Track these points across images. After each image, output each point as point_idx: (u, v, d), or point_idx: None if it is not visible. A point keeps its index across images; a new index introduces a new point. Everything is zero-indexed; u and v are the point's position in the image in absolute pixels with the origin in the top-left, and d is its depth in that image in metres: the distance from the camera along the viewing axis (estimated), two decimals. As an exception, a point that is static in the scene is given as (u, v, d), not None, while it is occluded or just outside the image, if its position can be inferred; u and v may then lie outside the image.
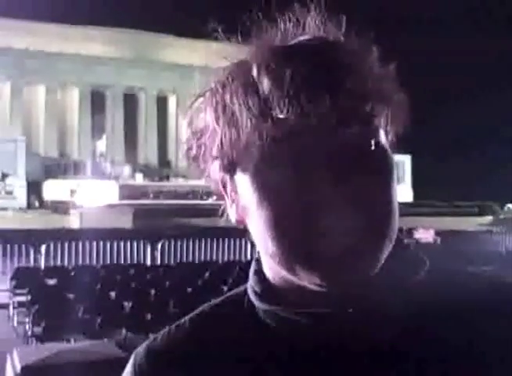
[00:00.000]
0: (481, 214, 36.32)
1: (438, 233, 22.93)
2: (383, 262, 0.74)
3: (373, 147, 0.73)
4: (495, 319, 0.81)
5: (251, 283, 0.85)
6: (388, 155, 0.76)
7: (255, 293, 0.83)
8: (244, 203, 0.78)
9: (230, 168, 0.78)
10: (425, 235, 22.61)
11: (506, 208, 41.53)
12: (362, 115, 0.72)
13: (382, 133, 0.76)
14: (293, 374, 0.78)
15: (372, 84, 0.73)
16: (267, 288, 0.82)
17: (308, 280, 0.74)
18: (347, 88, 0.71)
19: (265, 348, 0.80)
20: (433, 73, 51.09)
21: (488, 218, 35.76)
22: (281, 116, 0.71)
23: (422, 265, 0.82)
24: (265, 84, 0.72)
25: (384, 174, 0.75)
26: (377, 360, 0.76)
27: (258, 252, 0.84)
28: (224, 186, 0.81)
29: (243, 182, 0.77)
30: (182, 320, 0.89)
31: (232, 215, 0.82)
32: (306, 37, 0.77)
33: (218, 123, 0.75)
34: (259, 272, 0.84)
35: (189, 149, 0.81)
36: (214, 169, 0.80)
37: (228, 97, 0.75)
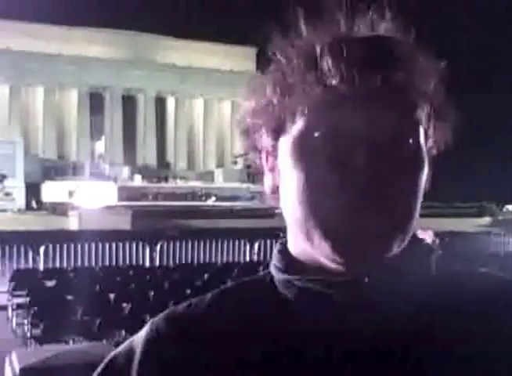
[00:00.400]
0: (479, 215, 36.29)
1: (436, 235, 22.93)
2: (394, 250, 0.79)
3: (409, 134, 0.79)
4: (499, 317, 0.83)
5: (273, 261, 0.91)
6: (421, 149, 0.81)
7: (276, 267, 0.89)
8: (281, 167, 0.85)
9: (277, 133, 0.85)
10: (424, 236, 22.57)
11: (504, 209, 41.53)
12: (405, 99, 0.79)
13: (421, 129, 0.81)
14: (307, 340, 0.82)
15: (418, 79, 0.81)
16: (288, 262, 0.88)
17: (320, 250, 0.80)
18: (395, 72, 0.79)
19: (281, 317, 0.84)
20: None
21: (487, 220, 35.74)
22: (333, 82, 0.79)
23: (431, 251, 0.89)
24: (324, 61, 0.80)
25: (414, 166, 0.80)
26: (387, 328, 0.80)
27: (283, 236, 0.90)
28: (266, 155, 0.89)
29: (285, 146, 0.83)
30: (203, 296, 0.93)
31: (268, 183, 0.89)
32: (365, 32, 0.84)
33: (275, 92, 0.84)
34: (283, 251, 0.90)
35: (241, 122, 0.89)
36: (261, 137, 0.87)
37: (289, 72, 0.83)
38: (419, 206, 0.81)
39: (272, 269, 0.90)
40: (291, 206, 0.82)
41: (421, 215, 0.83)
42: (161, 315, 0.92)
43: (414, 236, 0.85)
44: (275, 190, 0.88)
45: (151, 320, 0.92)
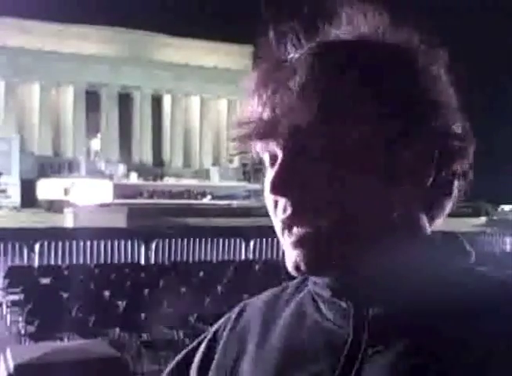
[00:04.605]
0: (475, 215, 36.38)
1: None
2: (352, 250, 0.78)
3: (342, 135, 0.76)
4: (498, 320, 0.77)
5: None
6: (364, 150, 0.77)
7: None
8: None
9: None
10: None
11: (499, 209, 41.65)
12: (339, 103, 0.77)
13: (368, 131, 0.77)
14: (305, 338, 0.85)
15: (367, 83, 0.77)
16: None
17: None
18: (342, 81, 0.77)
19: (292, 316, 0.90)
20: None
21: (482, 219, 35.84)
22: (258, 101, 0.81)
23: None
24: (258, 82, 0.82)
25: (354, 165, 0.77)
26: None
27: None
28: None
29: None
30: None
31: None
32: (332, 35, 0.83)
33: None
34: None
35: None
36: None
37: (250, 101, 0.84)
38: (375, 206, 0.77)
39: None
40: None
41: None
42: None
43: (426, 238, 0.81)
44: None
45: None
